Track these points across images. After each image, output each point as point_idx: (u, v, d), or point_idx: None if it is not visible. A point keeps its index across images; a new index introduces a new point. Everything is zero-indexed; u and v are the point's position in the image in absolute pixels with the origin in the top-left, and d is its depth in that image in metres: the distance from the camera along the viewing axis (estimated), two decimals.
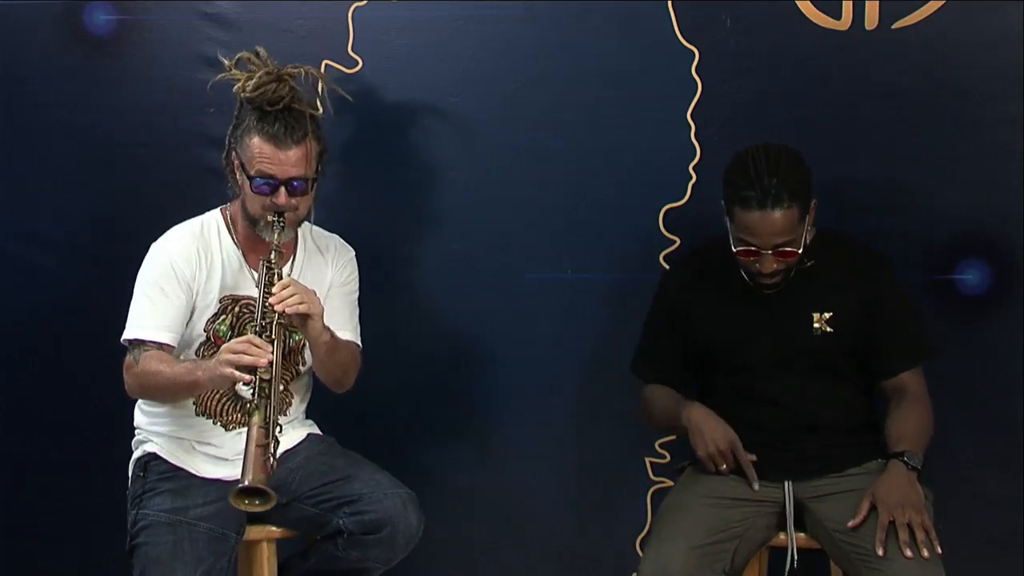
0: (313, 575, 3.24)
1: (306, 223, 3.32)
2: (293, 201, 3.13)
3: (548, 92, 3.58)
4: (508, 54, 3.58)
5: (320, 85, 3.32)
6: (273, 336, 3.04)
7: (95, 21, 3.67)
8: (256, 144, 3.12)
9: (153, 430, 3.26)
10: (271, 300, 3.05)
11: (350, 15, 3.61)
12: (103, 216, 3.70)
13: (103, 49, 3.67)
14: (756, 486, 3.14)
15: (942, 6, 3.42)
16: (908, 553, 2.92)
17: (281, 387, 3.25)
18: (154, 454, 3.24)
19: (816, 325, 3.18)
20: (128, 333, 3.17)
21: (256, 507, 2.96)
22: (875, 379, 3.23)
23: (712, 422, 3.18)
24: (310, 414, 3.39)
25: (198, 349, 3.22)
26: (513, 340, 3.65)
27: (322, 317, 3.12)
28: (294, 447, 3.27)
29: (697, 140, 3.54)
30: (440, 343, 3.68)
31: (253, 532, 3.20)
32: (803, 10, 3.47)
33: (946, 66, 3.45)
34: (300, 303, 3.05)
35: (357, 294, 3.36)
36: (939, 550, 2.94)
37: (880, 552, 2.94)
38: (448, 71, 3.61)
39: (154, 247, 3.22)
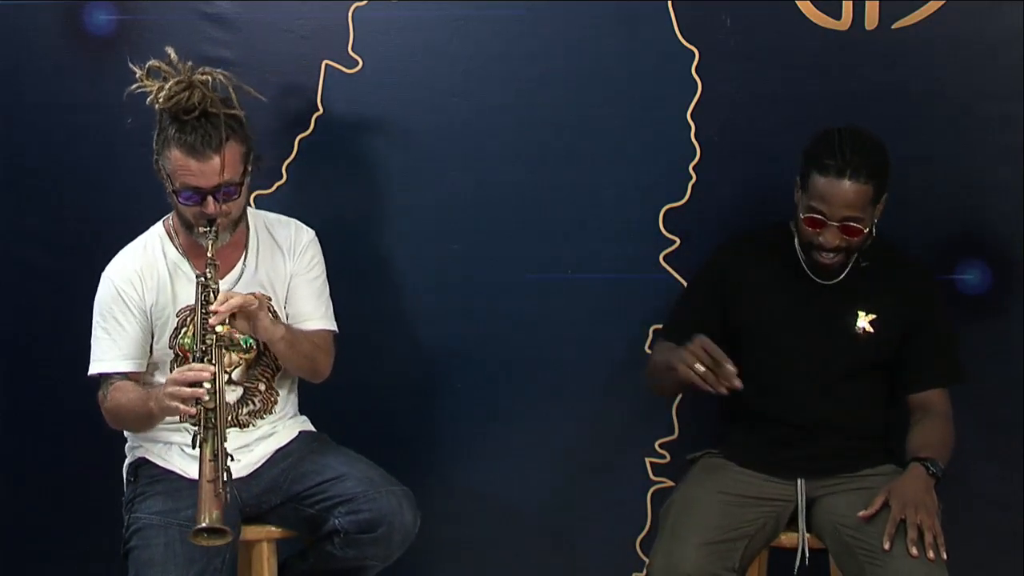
0: (312, 574, 3.24)
1: (259, 212, 3.30)
2: (224, 207, 3.09)
3: (548, 92, 3.58)
4: (508, 54, 3.58)
5: (232, 92, 3.18)
6: (214, 360, 3.02)
7: (95, 21, 3.67)
8: (177, 157, 3.06)
9: (142, 436, 3.26)
10: (212, 321, 3.02)
11: (350, 15, 3.61)
12: (103, 216, 3.69)
13: (103, 49, 3.67)
14: (737, 382, 2.99)
15: (942, 6, 3.43)
16: (914, 551, 2.92)
17: (263, 386, 3.26)
18: (144, 459, 3.24)
19: (859, 325, 3.20)
20: (92, 368, 3.19)
21: (215, 542, 2.95)
22: (903, 391, 3.24)
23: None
24: (304, 411, 3.39)
25: (171, 365, 3.21)
26: (512, 340, 3.65)
27: (267, 314, 3.11)
28: (286, 446, 3.27)
29: (697, 140, 3.54)
30: (439, 342, 3.67)
31: (252, 532, 3.20)
32: (803, 10, 3.47)
33: (946, 66, 3.45)
34: (242, 302, 3.04)
35: (323, 276, 3.32)
36: (945, 556, 2.94)
37: (887, 546, 2.94)
38: (448, 71, 3.60)
39: (103, 276, 3.22)
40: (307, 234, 3.32)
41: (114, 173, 3.71)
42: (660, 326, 3.44)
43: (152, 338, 3.20)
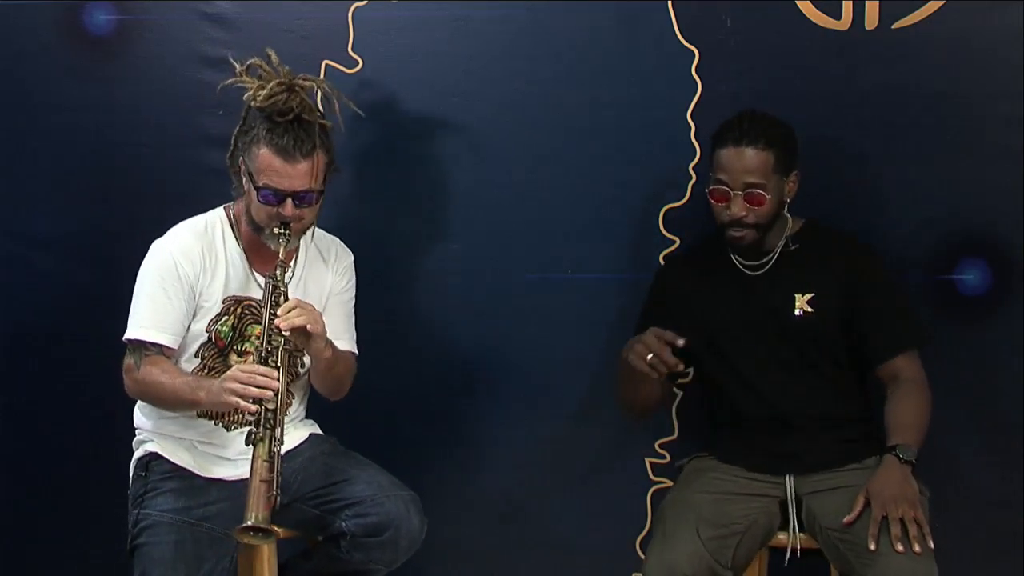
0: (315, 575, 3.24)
1: None
2: (299, 212, 3.12)
3: (548, 92, 3.58)
4: (508, 54, 3.59)
5: (335, 101, 3.27)
6: (279, 363, 3.03)
7: (95, 21, 3.67)
8: (265, 156, 3.09)
9: (154, 430, 3.25)
10: (278, 322, 3.04)
11: (350, 15, 3.61)
12: (103, 216, 3.70)
13: (103, 49, 3.67)
14: (680, 341, 3.08)
15: (942, 6, 3.43)
16: (900, 547, 2.93)
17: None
18: (156, 453, 3.23)
19: (798, 306, 3.21)
20: (128, 333, 3.16)
21: (258, 541, 2.96)
22: (870, 367, 3.24)
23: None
24: (311, 414, 3.39)
25: (199, 350, 3.21)
26: (513, 340, 3.65)
27: (324, 336, 3.12)
28: (296, 447, 3.27)
29: (697, 140, 3.54)
30: (440, 343, 3.67)
31: None
32: (803, 10, 3.48)
33: (946, 66, 3.45)
34: (306, 323, 3.06)
35: (354, 300, 3.36)
36: (931, 545, 2.95)
37: (872, 547, 2.95)
38: (448, 71, 3.61)
39: (156, 244, 3.21)
40: (348, 256, 3.36)
41: (114, 173, 3.71)
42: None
43: (193, 317, 3.19)
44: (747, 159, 3.15)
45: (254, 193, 3.12)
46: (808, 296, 3.22)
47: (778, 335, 3.22)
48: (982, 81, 3.45)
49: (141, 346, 3.14)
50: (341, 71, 3.61)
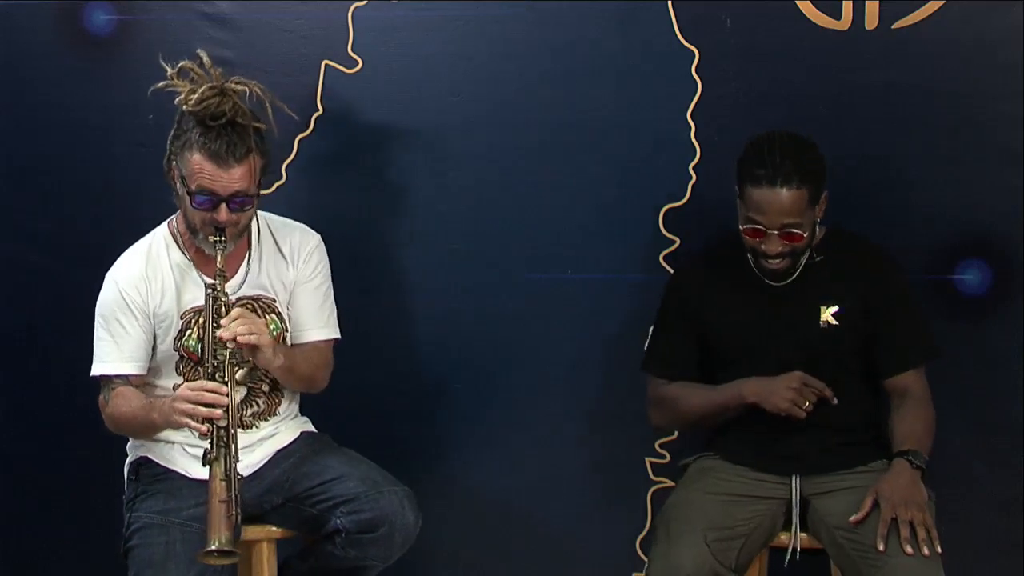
0: (312, 574, 3.24)
1: (265, 215, 3.28)
2: (234, 217, 3.09)
3: (548, 92, 3.58)
4: (508, 54, 3.59)
5: (268, 105, 3.19)
6: (227, 377, 3.03)
7: (95, 21, 3.67)
8: (197, 160, 3.05)
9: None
10: (220, 333, 3.03)
11: (350, 15, 3.61)
12: (104, 216, 3.70)
13: (103, 49, 3.67)
14: (835, 400, 3.13)
15: (942, 6, 3.43)
16: (908, 550, 2.92)
17: (267, 387, 3.26)
18: (146, 457, 3.24)
19: (823, 319, 3.19)
20: (94, 370, 3.18)
21: (223, 562, 2.96)
22: (879, 377, 3.24)
23: (772, 380, 3.16)
24: (305, 411, 3.38)
25: (176, 366, 3.21)
26: (513, 340, 3.65)
27: (270, 346, 3.11)
28: (288, 446, 3.27)
29: (697, 140, 3.54)
30: (439, 343, 3.68)
31: (252, 532, 3.20)
32: (803, 10, 3.48)
33: (946, 66, 3.45)
34: (250, 334, 3.05)
35: (328, 283, 3.31)
36: (939, 549, 2.95)
37: (881, 547, 2.94)
38: (448, 71, 3.61)
39: (107, 278, 3.21)
40: (312, 239, 3.30)
41: (114, 173, 3.71)
42: (645, 364, 3.37)
43: (155, 340, 3.19)
44: (783, 201, 3.07)
45: (188, 198, 3.09)
46: (834, 309, 3.19)
47: (800, 346, 3.20)
48: (982, 81, 3.44)
49: (109, 381, 3.17)
50: (341, 71, 3.61)
